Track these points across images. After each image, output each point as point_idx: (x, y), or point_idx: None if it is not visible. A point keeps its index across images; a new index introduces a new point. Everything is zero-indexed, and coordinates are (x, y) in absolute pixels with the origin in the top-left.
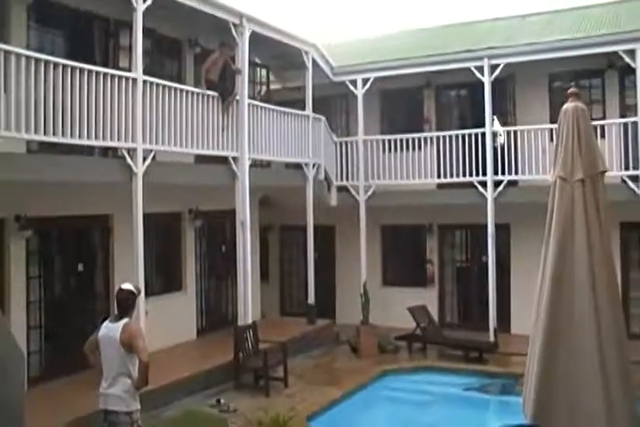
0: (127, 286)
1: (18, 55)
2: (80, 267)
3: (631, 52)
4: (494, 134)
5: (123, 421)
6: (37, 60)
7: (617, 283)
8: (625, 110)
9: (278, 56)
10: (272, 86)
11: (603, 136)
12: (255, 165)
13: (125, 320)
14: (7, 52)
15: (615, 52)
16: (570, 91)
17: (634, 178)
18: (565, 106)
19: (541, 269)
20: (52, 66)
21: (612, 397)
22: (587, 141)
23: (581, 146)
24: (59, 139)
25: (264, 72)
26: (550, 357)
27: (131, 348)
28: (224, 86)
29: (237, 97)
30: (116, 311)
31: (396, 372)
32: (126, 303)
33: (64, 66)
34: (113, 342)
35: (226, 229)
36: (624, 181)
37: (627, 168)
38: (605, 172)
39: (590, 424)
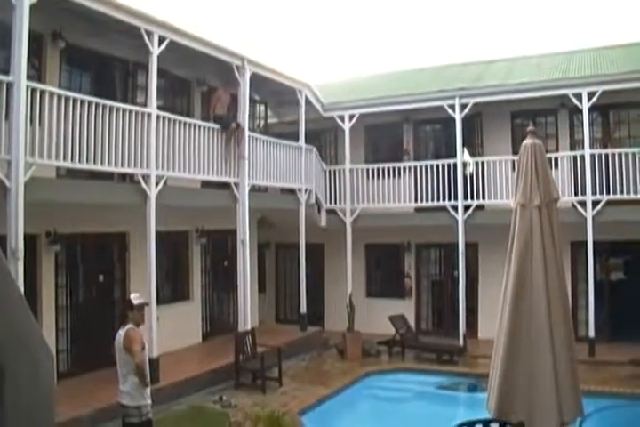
0: (132, 295)
1: (51, 93)
2: (101, 278)
3: (578, 95)
4: (464, 164)
5: (132, 413)
6: (67, 98)
7: (567, 293)
8: (574, 144)
9: (275, 93)
10: (269, 120)
11: (556, 166)
12: (254, 189)
13: (128, 327)
14: (42, 91)
15: (566, 95)
16: (528, 129)
17: (582, 203)
18: (525, 142)
19: (504, 281)
20: (79, 102)
21: (561, 391)
22: (543, 173)
23: (538, 177)
24: (83, 165)
25: (262, 107)
26: (511, 358)
27: (129, 351)
28: (229, 118)
29: (244, 126)
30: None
31: (377, 373)
32: (124, 311)
33: (89, 102)
34: (119, 347)
35: (228, 245)
36: (574, 206)
37: (576, 194)
38: (558, 199)
39: (544, 416)
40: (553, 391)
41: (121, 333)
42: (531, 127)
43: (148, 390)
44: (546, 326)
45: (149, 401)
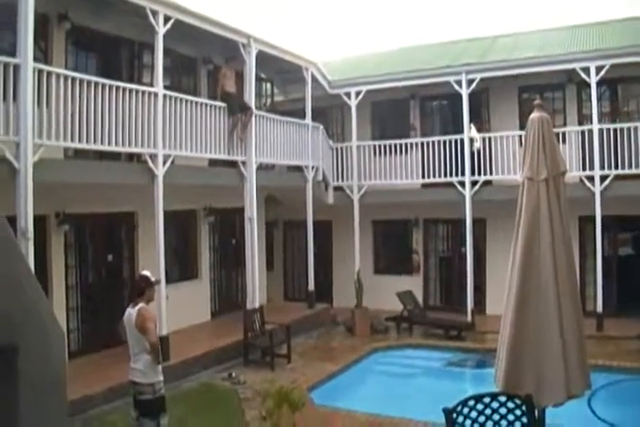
0: (144, 272)
1: (58, 75)
2: (109, 257)
3: (586, 70)
4: (471, 140)
5: (146, 391)
6: (73, 79)
7: (575, 268)
8: (582, 119)
9: (281, 71)
10: (275, 98)
11: (564, 141)
12: (261, 167)
13: (140, 305)
14: (49, 73)
15: (573, 69)
16: (535, 102)
17: (590, 178)
18: (532, 116)
19: (512, 256)
20: (85, 83)
21: (570, 365)
22: (550, 146)
23: (545, 150)
24: (91, 146)
25: (269, 86)
26: (519, 332)
27: (142, 330)
28: (238, 100)
29: (252, 111)
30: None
31: (385, 349)
32: (139, 287)
33: (96, 83)
34: (131, 325)
35: (235, 224)
36: (581, 181)
37: (584, 169)
38: (565, 172)
39: (552, 389)
40: (561, 365)
41: (131, 311)
42: (538, 101)
43: (160, 366)
44: (554, 301)
45: (162, 378)
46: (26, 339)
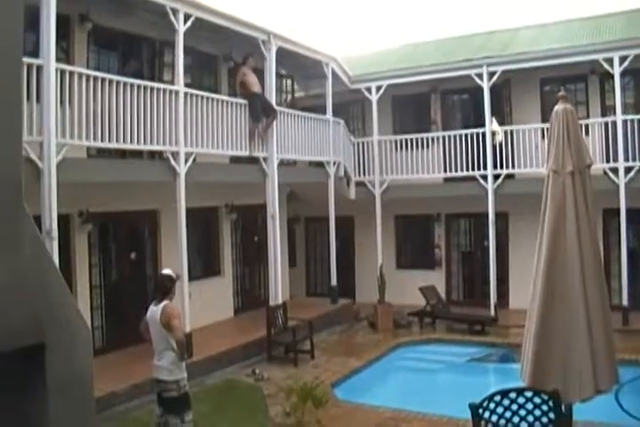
0: (166, 271)
1: (80, 74)
2: (133, 255)
3: (610, 60)
4: (493, 133)
5: (171, 388)
6: (95, 78)
7: (601, 260)
8: (605, 110)
9: (301, 67)
10: (296, 94)
11: (587, 133)
12: (282, 163)
13: (165, 302)
14: (71, 73)
15: (596, 60)
16: (559, 94)
17: (614, 170)
18: (556, 107)
19: (537, 249)
20: (107, 82)
21: (598, 360)
22: (575, 139)
23: (570, 143)
24: (113, 144)
25: (289, 82)
26: (545, 327)
27: (168, 327)
28: (267, 102)
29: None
30: (157, 295)
31: (409, 344)
32: (164, 286)
33: (117, 82)
34: (155, 323)
35: (257, 220)
36: (605, 173)
37: (607, 161)
38: (591, 165)
39: (579, 384)
40: (588, 360)
41: (155, 309)
42: (562, 92)
43: (184, 363)
44: (580, 295)
45: (186, 374)
46: (52, 338)
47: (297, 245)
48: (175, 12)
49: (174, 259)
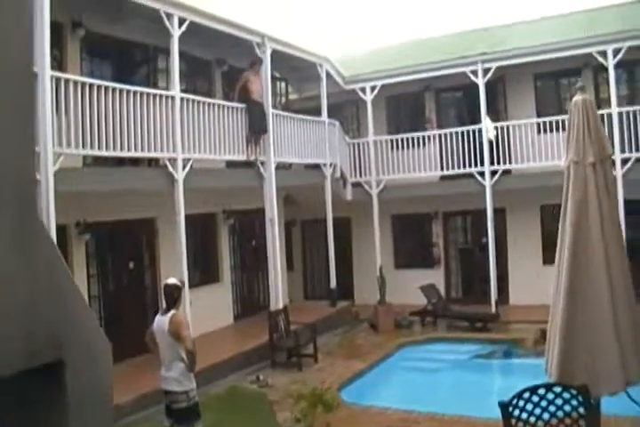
0: (172, 280)
1: (75, 82)
2: (131, 265)
3: (603, 53)
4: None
5: (181, 399)
6: (91, 85)
7: (625, 252)
8: (600, 103)
9: (295, 69)
10: (290, 97)
11: None
12: (278, 167)
13: (172, 312)
14: (67, 80)
15: (590, 53)
16: (578, 85)
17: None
18: (575, 98)
19: (559, 242)
20: (103, 89)
21: (626, 352)
22: (595, 129)
23: (591, 133)
24: (110, 153)
25: (283, 84)
26: (571, 321)
27: (177, 337)
28: (264, 118)
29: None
30: (164, 305)
31: (411, 344)
32: (172, 296)
33: (113, 88)
34: (163, 333)
35: (255, 225)
36: None
37: None
38: (611, 155)
39: (608, 377)
40: (616, 352)
41: (163, 318)
42: (580, 83)
43: (192, 373)
44: (606, 287)
45: (195, 385)
46: (72, 354)
47: (293, 248)
48: (169, 16)
49: (173, 267)
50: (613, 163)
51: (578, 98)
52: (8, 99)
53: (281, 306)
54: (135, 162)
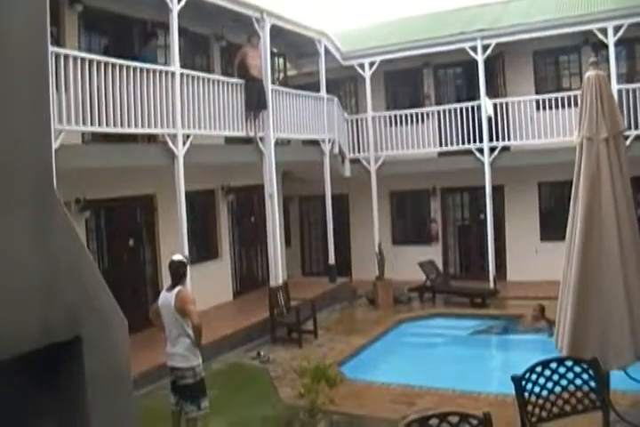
0: (177, 256)
1: (75, 58)
2: (131, 241)
3: (603, 30)
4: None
5: (187, 375)
6: (91, 61)
7: (637, 226)
8: None
9: (293, 45)
10: (288, 73)
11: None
12: (277, 143)
13: (178, 288)
14: (66, 56)
15: (590, 31)
16: (590, 61)
17: None
18: (587, 73)
19: (570, 218)
20: (103, 65)
21: (636, 327)
22: (608, 105)
23: (604, 109)
24: (111, 129)
25: (281, 60)
26: (582, 296)
27: (184, 312)
28: (263, 94)
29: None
30: (170, 281)
31: (411, 319)
32: (178, 272)
33: (113, 64)
34: (169, 309)
35: (253, 201)
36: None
37: None
38: (624, 131)
39: (618, 351)
40: (627, 327)
41: (168, 294)
42: (593, 59)
43: (198, 349)
44: (618, 262)
45: (201, 360)
46: (89, 331)
47: (291, 224)
48: None
49: (173, 243)
50: (625, 138)
51: (591, 73)
52: (27, 82)
53: (281, 282)
54: (134, 138)
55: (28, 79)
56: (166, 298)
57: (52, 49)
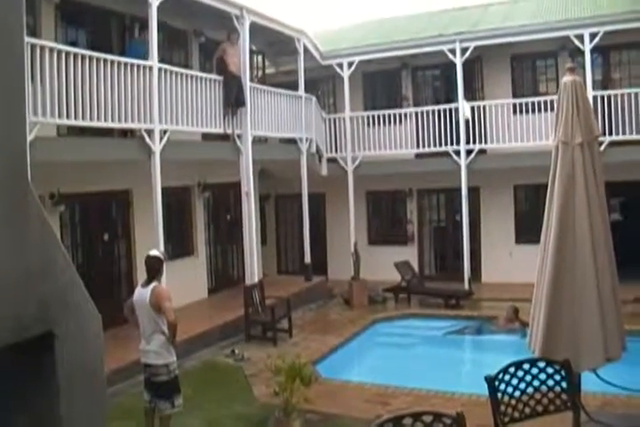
0: (154, 252)
1: (51, 49)
2: (106, 236)
3: (580, 37)
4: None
5: (161, 372)
6: (67, 53)
7: (609, 232)
8: None
9: (272, 43)
10: (266, 71)
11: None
12: (254, 141)
13: (154, 284)
14: (42, 47)
15: (567, 37)
16: (567, 66)
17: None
18: (564, 79)
19: (545, 219)
20: (79, 57)
21: (608, 329)
22: (584, 110)
23: (580, 114)
24: (87, 122)
25: (260, 58)
26: (556, 298)
27: (159, 309)
28: (241, 92)
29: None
30: (145, 276)
31: (385, 320)
32: (153, 268)
33: (90, 57)
34: (144, 305)
35: (230, 199)
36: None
37: None
38: (599, 136)
39: (590, 353)
40: (599, 329)
41: (144, 290)
42: (570, 64)
43: (173, 346)
44: (590, 266)
45: (175, 358)
46: (62, 326)
47: (267, 222)
48: None
49: (148, 239)
50: (600, 144)
51: (567, 79)
52: (1, 72)
53: (256, 280)
54: (110, 133)
55: (3, 69)
56: (141, 294)
57: (27, 39)
